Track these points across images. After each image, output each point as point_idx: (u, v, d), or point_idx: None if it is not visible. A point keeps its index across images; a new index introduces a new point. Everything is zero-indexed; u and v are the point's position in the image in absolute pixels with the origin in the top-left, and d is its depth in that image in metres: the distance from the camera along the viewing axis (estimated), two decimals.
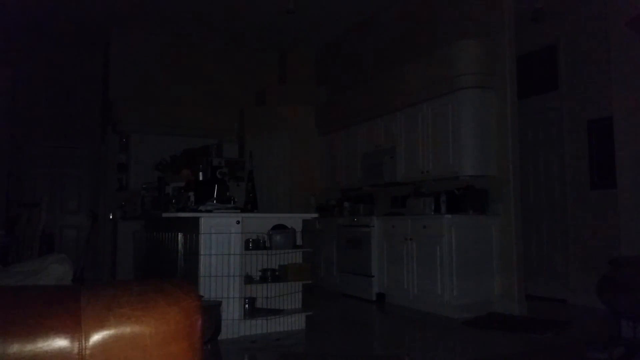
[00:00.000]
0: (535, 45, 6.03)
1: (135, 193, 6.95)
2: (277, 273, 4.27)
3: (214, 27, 7.63)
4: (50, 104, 8.09)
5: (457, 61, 5.15)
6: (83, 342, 0.78)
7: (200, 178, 4.73)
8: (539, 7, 5.42)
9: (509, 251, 4.91)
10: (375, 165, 6.30)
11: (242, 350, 3.72)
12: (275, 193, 7.62)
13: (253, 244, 4.26)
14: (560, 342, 3.88)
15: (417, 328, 4.59)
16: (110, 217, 7.42)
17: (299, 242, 4.48)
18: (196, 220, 4.03)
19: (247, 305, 4.12)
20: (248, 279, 4.19)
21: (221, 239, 4.01)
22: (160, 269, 5.03)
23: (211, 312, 3.10)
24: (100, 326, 0.80)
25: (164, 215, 4.32)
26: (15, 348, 0.75)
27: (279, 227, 4.42)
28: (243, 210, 4.57)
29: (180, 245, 4.45)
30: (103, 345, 0.79)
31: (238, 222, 4.08)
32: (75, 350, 0.78)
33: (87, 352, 0.78)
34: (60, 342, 0.77)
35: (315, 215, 5.36)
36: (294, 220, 4.53)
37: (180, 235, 4.46)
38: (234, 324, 3.95)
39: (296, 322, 4.29)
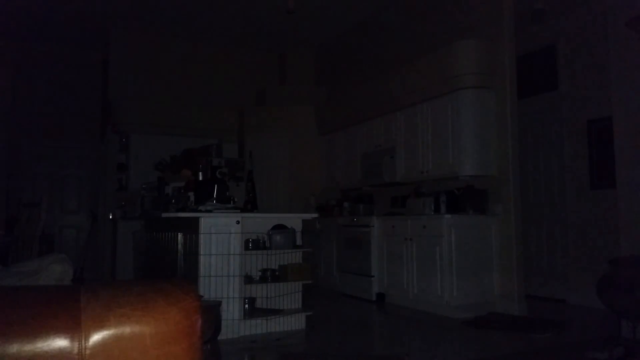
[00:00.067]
0: (535, 45, 6.03)
1: (135, 193, 6.95)
2: (277, 273, 4.27)
3: (214, 27, 7.62)
4: (50, 104, 8.09)
5: (457, 61, 5.15)
6: (83, 342, 0.78)
7: (200, 178, 4.73)
8: (539, 7, 5.43)
9: (509, 251, 4.91)
10: (375, 165, 6.30)
11: (242, 350, 3.72)
12: (275, 193, 7.62)
13: (253, 244, 4.26)
14: (560, 342, 3.88)
15: (417, 328, 4.59)
16: (110, 217, 7.42)
17: (298, 242, 4.48)
18: (196, 220, 4.03)
19: (247, 305, 4.12)
20: (248, 279, 4.20)
21: (221, 239, 4.01)
22: (160, 269, 5.03)
23: (211, 312, 3.10)
24: (100, 326, 0.80)
25: (164, 215, 4.32)
26: (15, 348, 0.75)
27: (278, 227, 4.42)
28: (243, 210, 4.57)
29: (180, 245, 4.45)
30: (103, 345, 0.79)
31: (238, 222, 4.07)
32: (75, 350, 0.78)
33: (87, 352, 0.78)
34: (60, 342, 0.77)
35: (315, 215, 5.36)
36: (293, 220, 4.53)
37: (180, 235, 4.46)
38: (234, 324, 3.95)
39: (296, 322, 4.29)
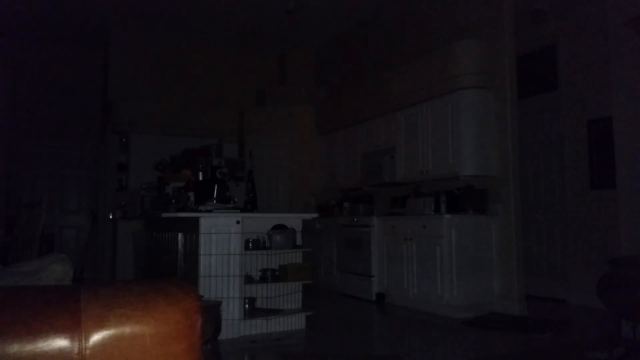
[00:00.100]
0: (535, 45, 6.03)
1: (135, 193, 6.96)
2: (277, 273, 4.27)
3: (214, 27, 7.63)
4: (50, 104, 8.09)
5: (457, 61, 5.15)
6: (83, 342, 0.78)
7: (200, 178, 4.73)
8: (539, 7, 5.43)
9: (509, 251, 4.91)
10: (375, 165, 6.30)
11: (242, 350, 3.72)
12: (275, 193, 7.62)
13: (253, 244, 4.26)
14: (560, 342, 3.88)
15: (417, 328, 4.59)
16: (110, 217, 7.42)
17: (299, 242, 4.48)
18: (196, 220, 4.03)
19: (247, 305, 4.12)
20: (248, 279, 4.20)
21: (221, 239, 4.01)
22: (160, 269, 5.03)
23: (211, 312, 3.10)
24: (100, 326, 0.80)
25: (164, 215, 4.32)
26: (15, 348, 0.75)
27: (278, 227, 4.42)
28: (243, 210, 4.57)
29: (180, 245, 4.45)
30: (103, 345, 0.79)
31: (238, 222, 4.07)
32: (75, 350, 0.78)
33: (87, 352, 0.78)
34: (60, 342, 0.77)
35: (315, 215, 5.36)
36: (293, 220, 4.53)
37: (180, 235, 4.46)
38: (234, 324, 3.95)
39: (296, 322, 4.29)
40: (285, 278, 4.27)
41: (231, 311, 3.93)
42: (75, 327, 0.79)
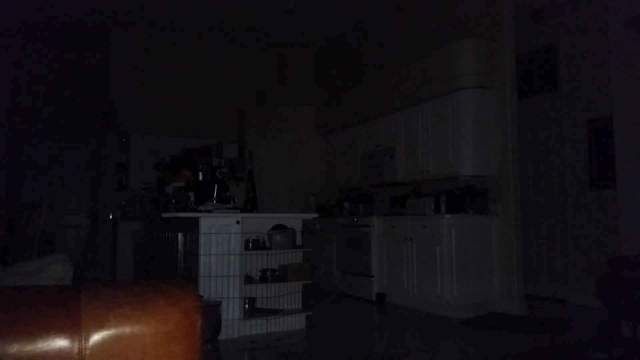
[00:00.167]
0: (535, 45, 6.03)
1: (135, 193, 6.96)
2: (277, 273, 4.27)
3: (213, 27, 7.63)
4: (50, 104, 8.10)
5: (457, 61, 5.15)
6: (83, 342, 0.78)
7: (200, 178, 4.73)
8: (539, 7, 5.43)
9: (509, 251, 4.91)
10: (375, 165, 6.30)
11: (242, 350, 3.72)
12: (275, 193, 7.63)
13: (253, 244, 4.26)
14: (560, 342, 3.88)
15: (417, 328, 4.59)
16: (110, 217, 7.42)
17: (298, 242, 4.48)
18: (196, 220, 4.03)
19: (247, 305, 4.12)
20: (248, 279, 4.20)
21: (221, 239, 4.01)
22: (160, 269, 5.03)
23: (211, 312, 3.10)
24: (100, 326, 0.80)
25: (164, 215, 4.32)
26: (15, 348, 0.75)
27: (278, 227, 4.42)
28: (243, 210, 4.57)
29: (180, 245, 4.45)
30: (103, 345, 0.79)
31: (238, 222, 4.08)
32: (75, 350, 0.78)
33: (87, 352, 0.78)
34: (60, 342, 0.77)
35: (315, 215, 5.36)
36: (293, 220, 4.53)
37: (180, 235, 4.46)
38: (234, 324, 3.95)
39: (296, 322, 4.29)
40: (285, 278, 4.27)
41: (231, 311, 3.93)
42: (75, 327, 0.79)
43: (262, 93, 8.26)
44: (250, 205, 4.99)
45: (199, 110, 7.86)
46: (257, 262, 4.29)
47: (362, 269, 5.83)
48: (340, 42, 7.98)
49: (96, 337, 0.79)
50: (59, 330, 0.78)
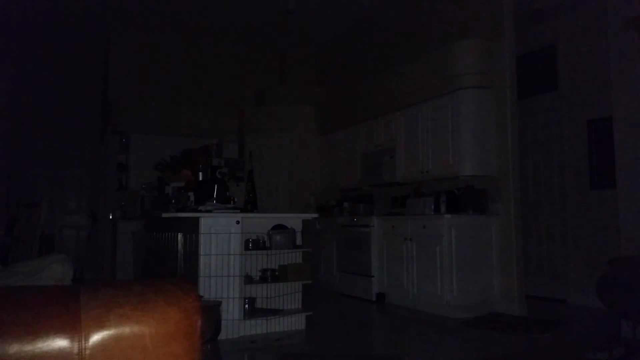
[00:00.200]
0: (535, 45, 6.03)
1: (135, 193, 6.95)
2: (276, 273, 4.27)
3: (214, 27, 7.63)
4: (50, 104, 8.09)
5: (457, 61, 5.15)
6: (83, 342, 0.78)
7: (200, 178, 4.73)
8: (539, 7, 5.43)
9: (509, 251, 4.91)
10: (375, 165, 6.30)
11: (242, 350, 3.72)
12: (275, 193, 7.62)
13: (253, 244, 4.26)
14: (560, 342, 3.88)
15: (417, 328, 4.59)
16: (110, 217, 7.42)
17: (298, 242, 4.47)
18: (196, 221, 4.02)
19: (247, 305, 4.12)
20: (248, 279, 4.19)
21: (221, 239, 4.00)
22: (160, 269, 5.03)
23: (211, 312, 3.10)
24: (100, 326, 0.80)
25: (164, 215, 4.32)
26: (15, 348, 0.75)
27: (278, 227, 4.42)
28: (243, 210, 4.57)
29: (180, 245, 4.45)
30: (103, 345, 0.79)
31: (238, 222, 4.07)
32: (75, 351, 0.78)
33: (87, 352, 0.78)
34: (60, 342, 0.77)
35: (315, 215, 5.36)
36: (293, 221, 4.53)
37: (180, 236, 4.46)
38: (233, 324, 3.95)
39: (296, 322, 4.29)
40: (285, 278, 4.27)
41: (231, 311, 3.93)
42: (75, 327, 0.79)
43: (262, 93, 8.26)
44: (250, 205, 4.99)
45: (199, 110, 7.86)
46: (257, 262, 4.29)
47: (362, 269, 5.83)
48: (340, 42, 7.98)
49: (96, 337, 0.79)
50: (59, 330, 0.78)
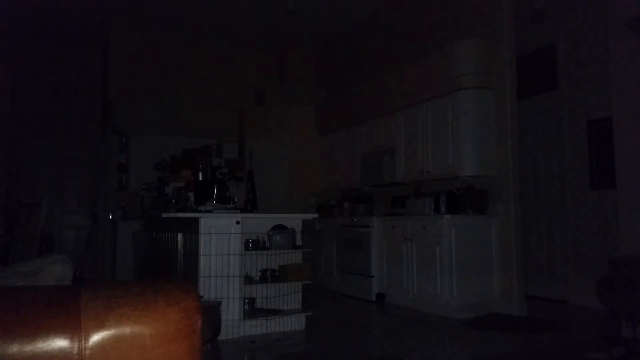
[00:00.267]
0: (535, 45, 6.03)
1: (135, 193, 6.95)
2: (276, 273, 4.27)
3: (214, 27, 7.62)
4: (50, 104, 8.09)
5: (457, 61, 5.15)
6: (83, 342, 0.78)
7: (200, 178, 4.73)
8: (539, 7, 5.43)
9: (509, 251, 4.91)
10: (375, 166, 6.30)
11: (242, 350, 3.72)
12: (275, 193, 7.62)
13: (253, 244, 4.26)
14: (560, 342, 3.88)
15: (417, 328, 4.59)
16: (110, 217, 7.42)
17: (298, 242, 4.47)
18: (196, 221, 4.02)
19: (246, 306, 4.12)
20: (248, 279, 4.19)
21: (221, 239, 4.01)
22: (160, 269, 5.02)
23: (211, 312, 3.10)
24: (99, 326, 0.80)
25: (164, 215, 4.32)
26: (15, 348, 0.75)
27: (278, 228, 4.42)
28: (243, 211, 4.57)
29: (180, 246, 4.45)
30: (103, 345, 0.79)
31: (238, 223, 4.07)
32: (75, 351, 0.78)
33: (87, 352, 0.78)
34: (60, 343, 0.77)
35: (315, 215, 5.36)
36: (293, 221, 4.53)
37: (180, 236, 4.46)
38: (233, 324, 3.95)
39: (296, 322, 4.29)
40: (285, 278, 4.27)
41: (231, 311, 3.93)
42: (74, 327, 0.78)
43: (262, 93, 8.26)
44: (250, 205, 4.99)
45: (199, 110, 7.86)
46: (257, 263, 4.29)
47: (362, 269, 5.83)
48: (340, 42, 7.98)
49: (96, 337, 0.79)
50: (59, 331, 0.78)
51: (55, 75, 8.12)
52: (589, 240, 5.36)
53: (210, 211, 4.11)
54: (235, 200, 4.71)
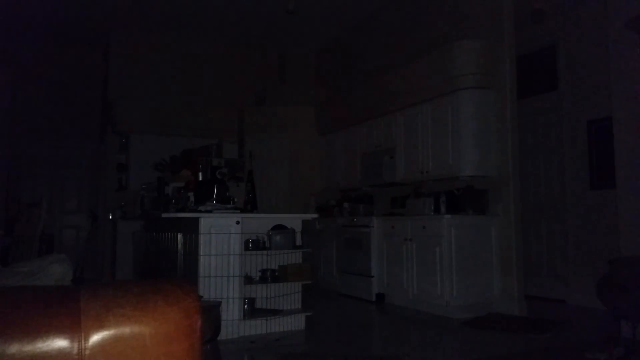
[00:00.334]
0: (535, 45, 6.03)
1: (135, 193, 6.95)
2: (276, 273, 4.27)
3: (214, 27, 7.63)
4: (50, 104, 8.09)
5: (457, 61, 5.15)
6: (82, 342, 0.78)
7: (200, 178, 4.73)
8: (539, 7, 5.43)
9: (509, 251, 4.91)
10: (375, 166, 6.30)
11: (242, 350, 3.72)
12: (275, 193, 7.62)
13: (253, 244, 4.26)
14: (559, 342, 3.88)
15: (417, 328, 4.59)
16: (110, 217, 7.42)
17: (298, 242, 4.48)
18: (196, 221, 4.02)
19: (246, 306, 4.12)
20: (248, 279, 4.19)
21: (221, 239, 4.01)
22: (160, 269, 5.03)
23: (211, 312, 3.10)
24: (99, 326, 0.80)
25: (164, 215, 4.32)
26: (14, 348, 0.75)
27: (278, 228, 4.42)
28: (243, 211, 4.57)
29: (179, 246, 4.45)
30: (102, 345, 0.79)
31: (238, 223, 4.07)
32: (75, 351, 0.78)
33: (87, 352, 0.78)
34: (60, 343, 0.77)
35: (315, 215, 5.36)
36: (293, 221, 4.53)
37: (179, 236, 4.46)
38: (233, 324, 3.95)
39: (296, 323, 4.29)
40: (285, 278, 4.27)
41: (231, 311, 3.93)
42: (74, 327, 0.78)
43: (262, 93, 8.26)
44: (250, 205, 4.99)
45: (199, 110, 7.86)
46: (256, 263, 4.29)
47: (362, 269, 5.83)
48: (340, 42, 7.98)
49: (96, 337, 0.79)
50: (59, 331, 0.78)
51: (55, 75, 8.12)
52: (589, 240, 5.36)
53: (210, 211, 4.11)
54: (235, 200, 4.71)
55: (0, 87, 7.26)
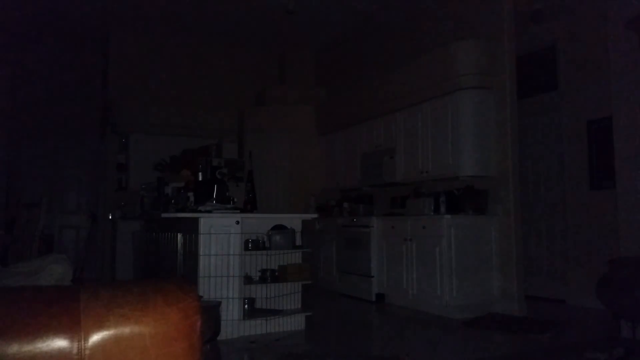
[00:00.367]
0: (535, 45, 6.03)
1: (135, 193, 6.95)
2: (276, 273, 4.27)
3: (213, 27, 7.63)
4: (50, 104, 8.09)
5: (457, 61, 5.15)
6: (82, 342, 0.78)
7: (200, 178, 4.73)
8: (539, 7, 5.43)
9: (509, 251, 4.91)
10: (375, 166, 6.30)
11: (242, 350, 3.72)
12: (275, 193, 7.62)
13: (252, 244, 4.26)
14: (559, 342, 3.88)
15: (417, 328, 4.59)
16: (110, 217, 7.42)
17: (298, 242, 4.48)
18: (195, 221, 4.02)
19: (246, 306, 4.12)
20: (247, 279, 4.19)
21: (220, 239, 4.01)
22: (159, 269, 5.02)
23: (211, 312, 3.10)
24: (99, 326, 0.80)
25: (164, 215, 4.32)
26: (14, 348, 0.75)
27: (278, 228, 4.42)
28: (242, 211, 4.57)
29: (179, 246, 4.45)
30: (102, 345, 0.79)
31: (237, 223, 4.07)
32: (75, 351, 0.78)
33: (87, 352, 0.78)
34: (60, 343, 0.77)
35: (315, 215, 5.36)
36: (293, 221, 4.53)
37: (179, 236, 4.46)
38: (233, 324, 3.95)
39: (296, 323, 4.29)
40: (285, 278, 4.27)
41: (231, 311, 3.93)
42: (74, 327, 0.78)
43: (262, 93, 8.26)
44: (250, 205, 4.99)
45: (199, 110, 7.86)
46: (256, 263, 4.29)
47: (362, 269, 5.83)
48: (340, 42, 7.98)
49: (96, 338, 0.79)
50: (59, 331, 0.78)
51: (55, 75, 8.11)
52: (588, 240, 5.36)
53: (210, 211, 4.11)
54: (235, 200, 4.71)
55: (0, 87, 7.26)
